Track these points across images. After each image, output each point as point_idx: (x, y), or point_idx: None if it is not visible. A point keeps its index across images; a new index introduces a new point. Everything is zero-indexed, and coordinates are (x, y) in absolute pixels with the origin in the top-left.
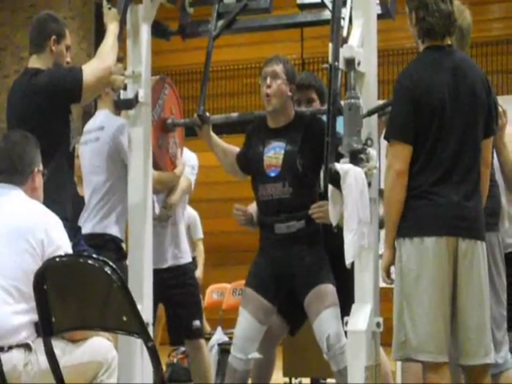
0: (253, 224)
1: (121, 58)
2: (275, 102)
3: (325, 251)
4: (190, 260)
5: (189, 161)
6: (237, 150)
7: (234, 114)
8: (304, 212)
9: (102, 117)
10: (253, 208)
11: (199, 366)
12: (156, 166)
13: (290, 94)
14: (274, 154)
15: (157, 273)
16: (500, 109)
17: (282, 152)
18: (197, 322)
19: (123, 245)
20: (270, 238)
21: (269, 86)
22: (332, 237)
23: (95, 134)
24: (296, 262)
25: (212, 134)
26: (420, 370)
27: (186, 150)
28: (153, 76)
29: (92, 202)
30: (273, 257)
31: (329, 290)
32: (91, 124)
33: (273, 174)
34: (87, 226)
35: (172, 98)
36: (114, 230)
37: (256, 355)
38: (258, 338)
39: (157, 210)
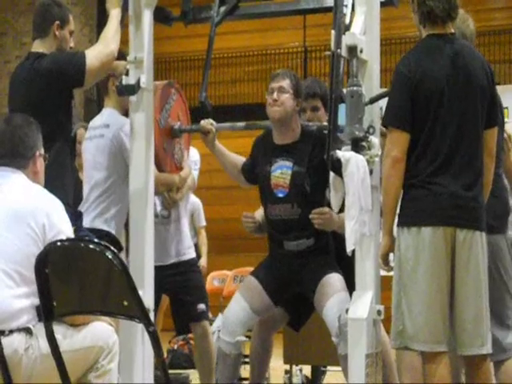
0: (261, 231)
1: (125, 56)
2: (281, 110)
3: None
4: (193, 255)
5: (191, 156)
6: (241, 159)
7: (241, 124)
8: (313, 230)
9: (108, 115)
10: (260, 214)
11: (203, 355)
12: (160, 170)
13: (296, 108)
14: (281, 173)
15: (160, 269)
16: (505, 134)
17: (290, 172)
18: (201, 305)
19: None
20: (280, 253)
21: (275, 100)
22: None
23: (100, 131)
24: (303, 269)
25: (217, 142)
26: (415, 360)
27: None
28: (158, 72)
29: (90, 198)
30: (282, 266)
31: (336, 278)
32: (97, 121)
33: (281, 195)
34: (84, 220)
35: (179, 104)
36: (110, 228)
37: (242, 338)
38: (247, 326)
39: (158, 208)
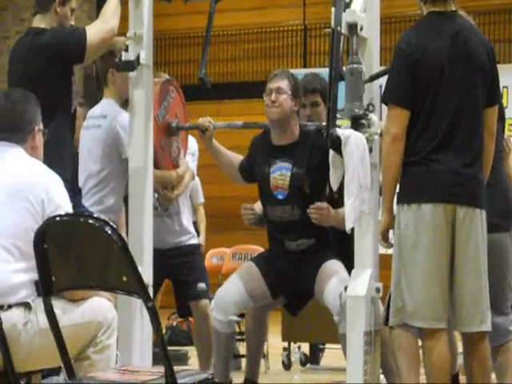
0: (261, 223)
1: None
2: (279, 111)
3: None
4: (195, 242)
5: (189, 148)
6: (239, 158)
7: (238, 123)
8: (314, 229)
9: (106, 105)
10: (259, 207)
11: (202, 334)
12: (157, 167)
13: (295, 108)
14: (280, 175)
15: (161, 252)
16: (505, 135)
17: (289, 174)
18: (201, 284)
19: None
20: (280, 251)
21: (274, 101)
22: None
23: (98, 121)
24: (303, 264)
25: (214, 141)
26: (411, 341)
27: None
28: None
29: (86, 187)
30: (283, 263)
31: (334, 262)
32: (95, 110)
33: (280, 197)
34: None
35: (178, 102)
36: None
37: (235, 318)
38: (241, 307)
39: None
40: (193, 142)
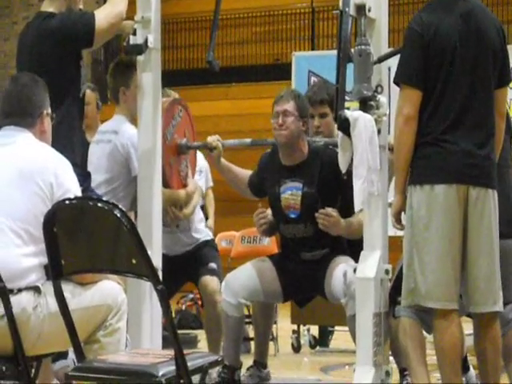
0: (273, 232)
1: None
2: (287, 134)
3: None
4: (209, 238)
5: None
6: (247, 173)
7: (247, 140)
8: (328, 241)
9: (117, 122)
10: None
11: (211, 320)
12: (166, 186)
13: (303, 128)
14: (291, 194)
15: (177, 256)
16: None
17: (300, 193)
18: (213, 264)
19: None
20: (296, 260)
21: (281, 125)
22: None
23: (108, 136)
24: (318, 272)
25: (222, 159)
26: (416, 328)
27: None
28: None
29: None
30: (297, 271)
31: (343, 257)
32: (106, 126)
33: (293, 216)
34: None
35: (186, 121)
36: None
37: (242, 300)
38: (250, 295)
39: None
40: (200, 159)
